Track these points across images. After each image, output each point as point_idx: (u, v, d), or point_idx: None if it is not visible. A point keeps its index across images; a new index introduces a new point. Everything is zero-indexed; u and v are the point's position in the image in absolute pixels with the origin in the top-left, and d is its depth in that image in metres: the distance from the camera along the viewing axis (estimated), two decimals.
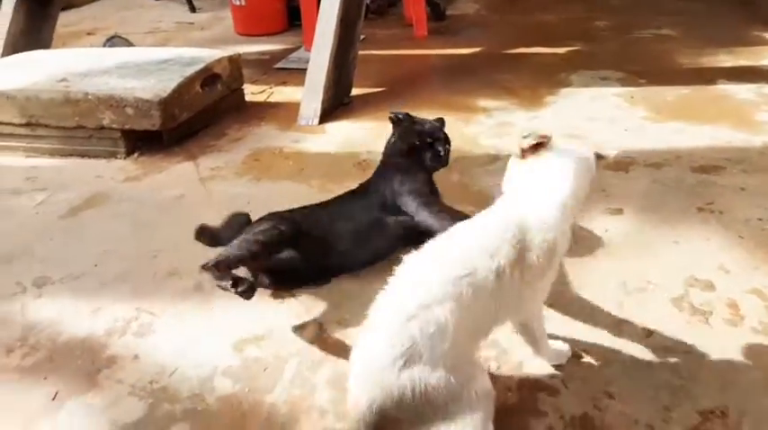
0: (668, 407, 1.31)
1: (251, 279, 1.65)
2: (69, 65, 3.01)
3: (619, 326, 1.54)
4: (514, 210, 1.18)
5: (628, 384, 1.37)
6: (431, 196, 1.85)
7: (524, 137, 1.23)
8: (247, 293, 1.52)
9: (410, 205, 1.79)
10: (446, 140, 1.91)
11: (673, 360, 1.43)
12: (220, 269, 1.54)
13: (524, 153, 1.22)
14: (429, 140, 1.86)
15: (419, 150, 1.88)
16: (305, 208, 1.87)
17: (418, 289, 1.10)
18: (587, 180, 1.26)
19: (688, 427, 1.27)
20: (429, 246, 1.20)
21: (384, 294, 1.16)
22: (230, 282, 1.51)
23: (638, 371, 1.41)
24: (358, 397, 1.08)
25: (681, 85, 3.27)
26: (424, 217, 1.75)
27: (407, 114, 1.95)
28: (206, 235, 1.87)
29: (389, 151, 1.97)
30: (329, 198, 1.96)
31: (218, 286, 1.55)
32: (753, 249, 1.83)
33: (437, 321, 1.04)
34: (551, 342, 1.40)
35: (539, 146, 1.21)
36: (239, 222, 1.81)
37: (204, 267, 1.55)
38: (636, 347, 1.48)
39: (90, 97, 2.66)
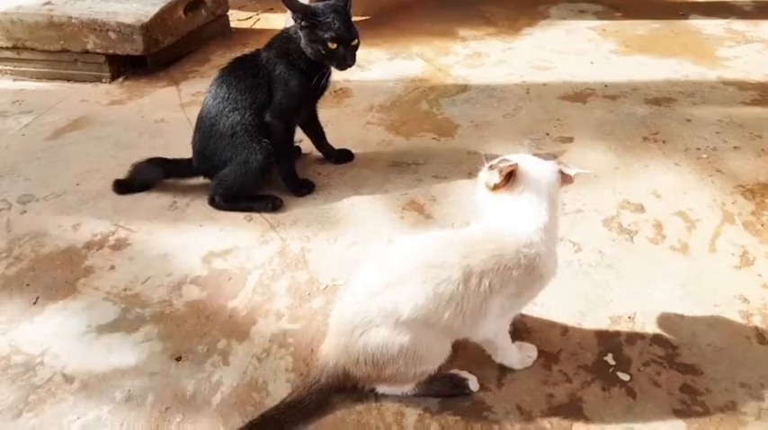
0: (583, 313, 1.36)
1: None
2: None
3: None
4: (498, 227, 1.12)
5: (552, 294, 1.39)
6: (293, 116, 1.79)
7: (491, 169, 1.12)
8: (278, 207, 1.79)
9: (272, 109, 1.74)
10: (351, 36, 1.63)
11: (595, 273, 1.47)
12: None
13: (497, 186, 1.12)
14: (335, 46, 1.62)
15: (324, 57, 1.66)
16: None
17: (386, 270, 1.12)
18: (558, 199, 1.18)
19: (597, 329, 1.32)
20: (408, 239, 1.22)
21: (363, 268, 1.19)
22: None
23: (562, 282, 1.43)
24: (327, 353, 1.17)
25: (653, 19, 3.13)
26: (270, 122, 1.74)
27: (308, 8, 1.63)
28: (119, 187, 1.86)
29: (289, 45, 1.70)
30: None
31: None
32: (686, 176, 1.83)
33: (394, 302, 1.06)
34: (519, 343, 1.28)
35: (509, 176, 1.11)
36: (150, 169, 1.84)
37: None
38: (564, 261, 1.50)
39: (73, 21, 2.56)
